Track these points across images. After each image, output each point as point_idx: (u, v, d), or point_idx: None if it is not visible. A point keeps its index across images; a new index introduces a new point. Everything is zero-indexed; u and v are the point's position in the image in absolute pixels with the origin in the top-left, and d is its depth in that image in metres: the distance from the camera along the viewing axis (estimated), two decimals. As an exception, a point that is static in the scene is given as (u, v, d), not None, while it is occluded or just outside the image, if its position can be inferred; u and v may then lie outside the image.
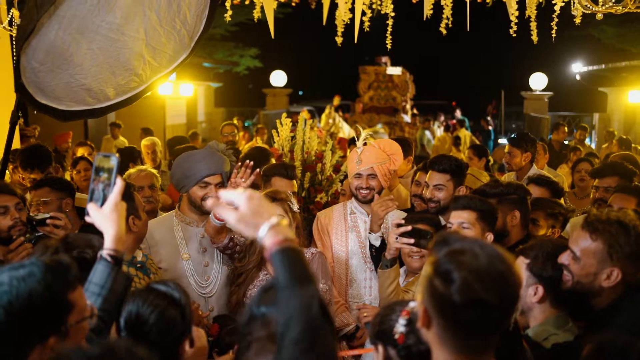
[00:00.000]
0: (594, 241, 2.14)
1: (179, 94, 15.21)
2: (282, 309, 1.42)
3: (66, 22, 3.23)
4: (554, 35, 4.66)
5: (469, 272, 1.43)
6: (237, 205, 1.53)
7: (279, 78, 18.06)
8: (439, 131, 16.93)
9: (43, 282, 1.49)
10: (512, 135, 5.37)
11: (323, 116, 13.21)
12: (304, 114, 10.30)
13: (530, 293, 2.24)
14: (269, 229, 1.49)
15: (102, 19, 3.33)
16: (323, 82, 28.64)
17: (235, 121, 9.81)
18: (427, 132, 15.46)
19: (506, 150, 5.28)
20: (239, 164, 3.07)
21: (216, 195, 1.58)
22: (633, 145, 8.58)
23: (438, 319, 1.49)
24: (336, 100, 16.21)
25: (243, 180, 3.00)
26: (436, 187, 3.49)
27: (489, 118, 20.72)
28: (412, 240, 2.67)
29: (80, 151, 6.56)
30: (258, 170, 3.01)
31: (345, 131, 12.74)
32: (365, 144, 3.42)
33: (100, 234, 1.88)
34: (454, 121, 19.81)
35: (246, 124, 17.12)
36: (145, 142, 7.48)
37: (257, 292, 1.82)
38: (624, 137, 9.29)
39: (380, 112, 15.75)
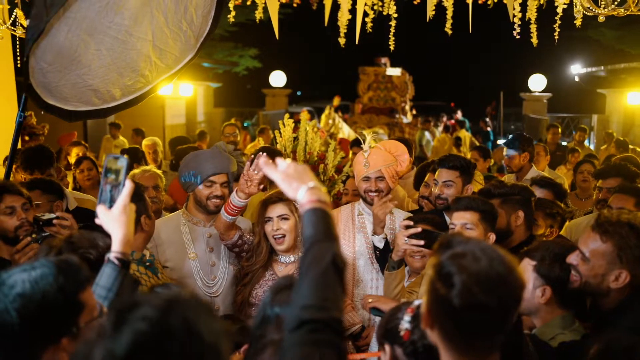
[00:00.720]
0: (604, 243, 2.15)
1: (179, 94, 15.20)
2: (302, 258, 1.58)
3: (76, 24, 3.23)
4: (556, 37, 4.68)
5: (469, 276, 1.45)
6: (285, 169, 1.76)
7: (278, 78, 18.04)
8: (438, 132, 16.94)
9: (55, 283, 1.48)
10: (509, 137, 5.42)
11: (323, 116, 13.20)
12: (303, 114, 10.28)
13: (538, 294, 2.25)
14: (307, 190, 1.67)
15: (111, 20, 3.33)
16: (322, 83, 28.62)
17: (233, 121, 9.80)
18: (427, 133, 15.46)
19: (504, 153, 5.32)
20: (252, 157, 3.08)
21: (265, 161, 1.80)
22: (631, 146, 8.59)
23: (440, 321, 1.51)
24: (336, 101, 16.19)
25: (256, 172, 3.01)
26: (445, 184, 3.51)
27: (487, 119, 20.75)
28: (422, 242, 2.67)
29: (75, 151, 6.50)
30: (271, 161, 3.01)
31: (345, 132, 12.74)
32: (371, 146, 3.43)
33: (104, 233, 1.88)
34: (453, 121, 19.81)
35: (245, 125, 17.11)
36: (146, 142, 7.49)
37: (269, 292, 1.82)
38: (621, 138, 9.28)
39: (379, 113, 15.73)
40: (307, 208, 1.65)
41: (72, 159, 6.30)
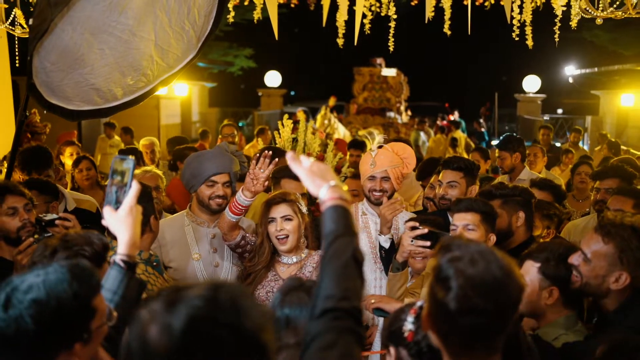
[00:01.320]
0: (606, 244, 2.17)
1: (174, 94, 15.16)
2: (324, 252, 1.65)
3: (80, 23, 3.23)
4: (557, 39, 4.71)
5: (465, 280, 1.46)
6: (309, 167, 1.81)
7: (273, 78, 18.03)
8: (433, 132, 16.95)
9: (70, 289, 1.46)
10: (500, 139, 5.49)
11: (318, 117, 13.20)
12: (299, 114, 10.23)
13: (545, 296, 2.26)
14: (329, 188, 1.73)
15: (115, 20, 3.33)
16: (317, 83, 28.59)
17: (228, 122, 9.77)
18: (422, 134, 15.46)
19: (497, 155, 5.39)
20: (257, 155, 3.08)
21: (290, 156, 1.83)
22: (624, 148, 8.62)
23: (439, 324, 1.52)
24: (332, 101, 16.15)
25: (262, 170, 3.02)
26: (449, 185, 3.54)
27: (481, 120, 20.81)
28: (428, 243, 2.67)
29: (69, 150, 6.45)
30: (277, 160, 3.03)
31: (341, 132, 12.74)
32: (379, 147, 3.44)
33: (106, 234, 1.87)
34: (445, 122, 19.84)
35: (240, 125, 17.09)
36: (143, 142, 7.47)
37: (278, 294, 1.82)
38: (613, 140, 9.32)
39: (374, 114, 15.75)
40: (328, 205, 1.71)
41: (65, 159, 6.26)
